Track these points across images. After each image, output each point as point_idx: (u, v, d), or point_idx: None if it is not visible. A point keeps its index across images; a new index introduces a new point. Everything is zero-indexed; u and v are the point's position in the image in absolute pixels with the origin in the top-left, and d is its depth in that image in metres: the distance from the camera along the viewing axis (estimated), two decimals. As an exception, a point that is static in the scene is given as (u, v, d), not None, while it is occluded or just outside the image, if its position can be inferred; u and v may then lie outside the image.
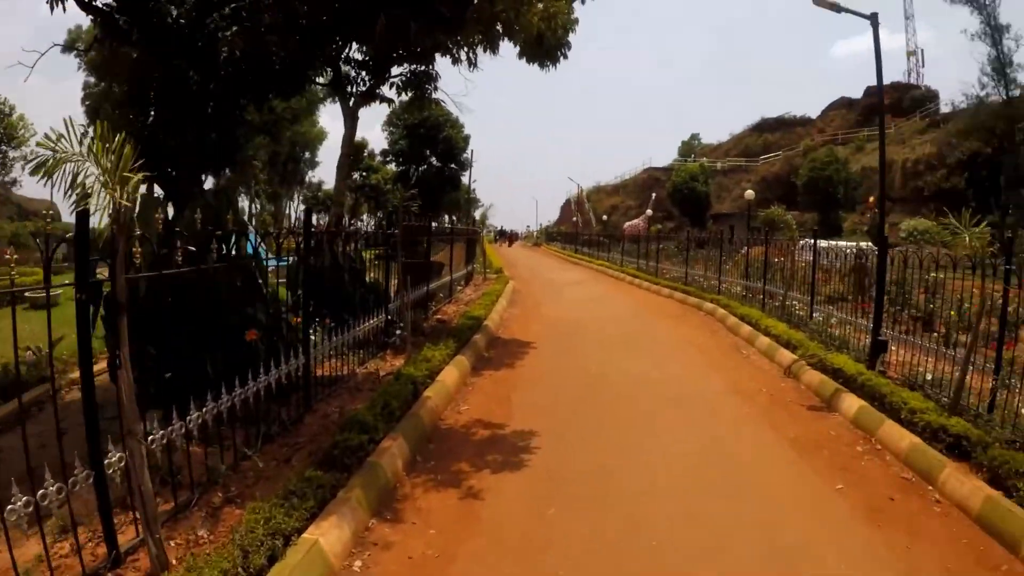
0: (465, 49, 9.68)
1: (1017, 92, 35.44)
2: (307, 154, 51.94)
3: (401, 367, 7.10)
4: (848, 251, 10.06)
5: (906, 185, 44.08)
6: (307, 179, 54.08)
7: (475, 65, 9.95)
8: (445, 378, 7.29)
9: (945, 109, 46.89)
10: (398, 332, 8.35)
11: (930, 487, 5.06)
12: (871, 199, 41.16)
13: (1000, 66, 34.94)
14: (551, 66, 9.95)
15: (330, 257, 7.48)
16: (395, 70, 10.55)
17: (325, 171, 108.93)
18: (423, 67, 10.36)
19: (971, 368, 5.76)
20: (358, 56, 10.30)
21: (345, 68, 10.57)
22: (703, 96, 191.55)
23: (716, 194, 55.20)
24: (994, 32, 34.81)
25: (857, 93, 61.45)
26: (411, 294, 9.49)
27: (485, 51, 9.50)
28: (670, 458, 5.44)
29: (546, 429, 6.08)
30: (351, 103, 10.55)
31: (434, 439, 5.66)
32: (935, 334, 7.65)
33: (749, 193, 29.82)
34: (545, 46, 9.37)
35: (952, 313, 8.40)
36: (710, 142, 71.97)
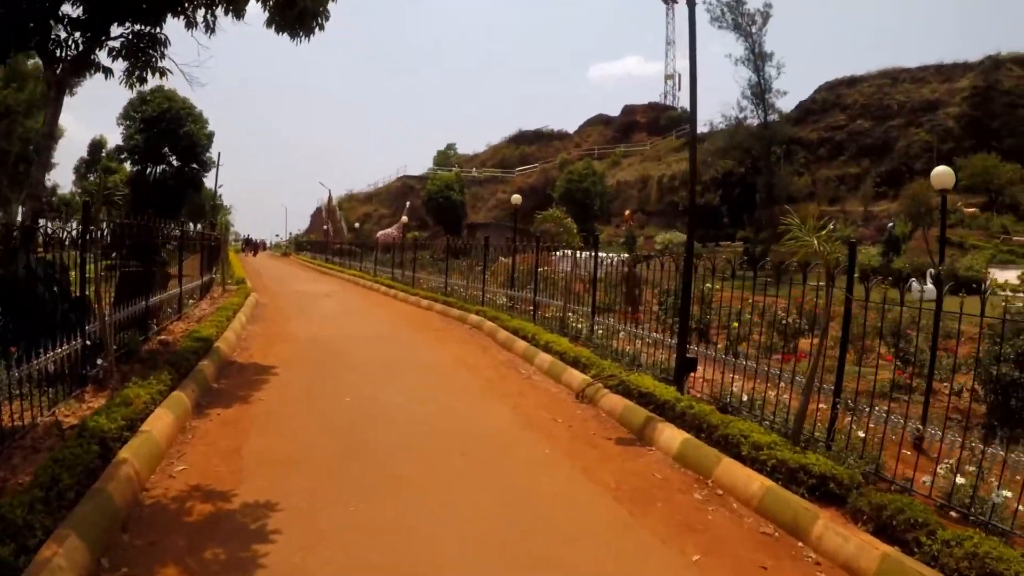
0: (203, 9, 12.22)
1: (775, 116, 55.44)
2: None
3: (90, 415, 7.31)
4: (611, 260, 15.14)
5: (662, 200, 65.47)
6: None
7: (213, 30, 12.61)
8: (154, 426, 7.60)
9: (703, 129, 67.24)
10: (99, 361, 9.35)
11: (800, 543, 5.90)
12: (627, 212, 62.41)
13: (760, 91, 53.93)
14: (303, 36, 12.45)
15: (24, 265, 8.57)
16: (116, 31, 12.47)
17: (62, 174, 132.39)
18: (149, 28, 12.59)
19: (814, 390, 7.48)
20: (71, 12, 12.01)
21: (57, 30, 12.20)
22: (461, 106, 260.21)
23: (471, 204, 74.56)
24: (757, 59, 53.38)
25: (613, 112, 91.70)
26: (123, 310, 11.10)
27: (227, 13, 12.17)
28: (467, 542, 5.68)
29: (290, 499, 6.29)
30: (58, 70, 12.16)
31: (132, 525, 5.75)
32: (714, 344, 11.21)
33: (516, 198, 37.93)
34: (299, 7, 11.82)
35: (735, 324, 11.87)
36: (467, 152, 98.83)
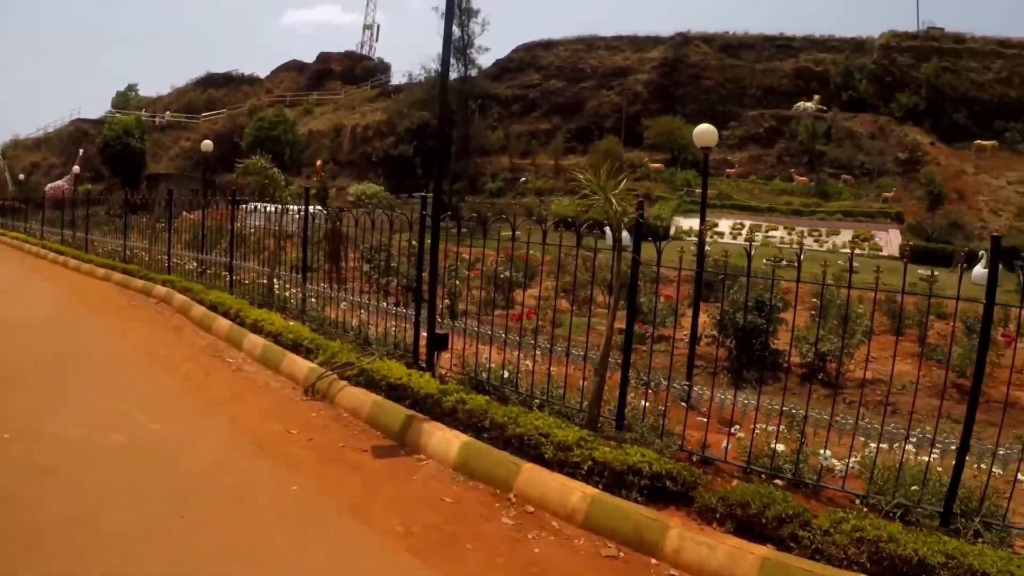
0: None
1: (474, 72, 57.84)
2: None
3: None
4: (312, 215, 13.03)
5: (355, 150, 63.79)
6: None
7: None
8: None
9: (402, 80, 71.50)
10: None
11: (655, 560, 4.97)
12: (319, 162, 60.09)
13: (463, 46, 54.86)
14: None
15: None
16: None
17: None
18: None
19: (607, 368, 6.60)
20: None
21: None
22: (143, 43, 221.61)
23: (153, 152, 67.97)
24: (463, 15, 54.27)
25: (308, 60, 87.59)
26: None
27: None
28: None
29: None
30: None
31: None
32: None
33: (207, 144, 36.50)
34: None
35: (457, 282, 12.12)
36: (150, 95, 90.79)
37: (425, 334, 8.65)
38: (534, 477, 5.89)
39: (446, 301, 12.25)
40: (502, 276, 13.59)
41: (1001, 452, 5.49)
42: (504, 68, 65.91)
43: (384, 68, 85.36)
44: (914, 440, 5.82)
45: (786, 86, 57.32)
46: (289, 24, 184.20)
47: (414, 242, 10.61)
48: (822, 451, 5.99)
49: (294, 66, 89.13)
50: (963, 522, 5.18)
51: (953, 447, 5.47)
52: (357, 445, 6.91)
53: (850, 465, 5.91)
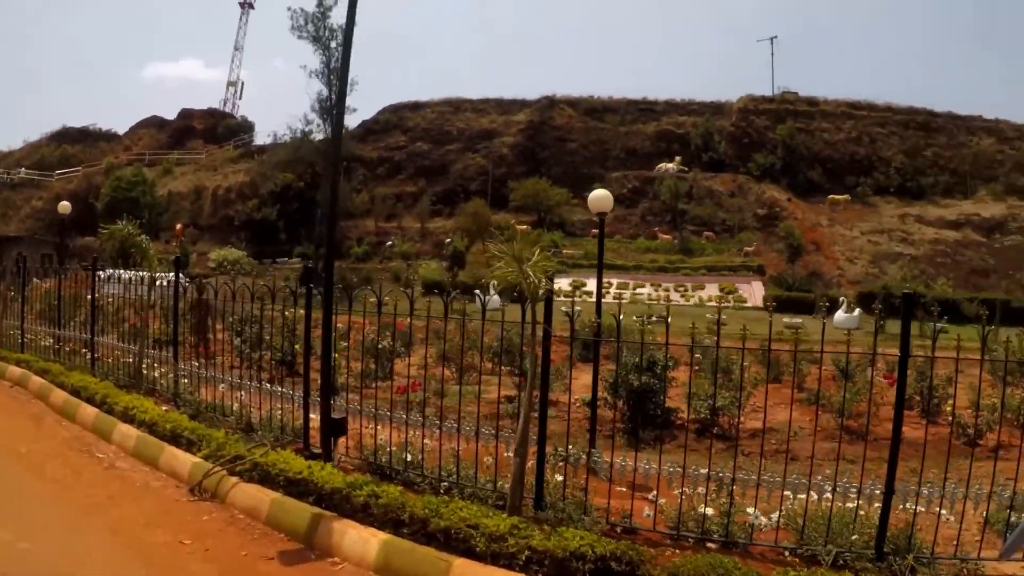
0: None
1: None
2: None
3: None
4: (167, 283, 12.27)
5: (216, 213, 61.51)
6: None
7: None
8: None
9: (266, 140, 70.04)
10: None
11: None
12: (179, 226, 57.34)
13: (330, 106, 53.49)
14: None
15: None
16: None
17: None
18: None
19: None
20: None
21: None
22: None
23: (2, 212, 64.67)
24: (330, 73, 53.19)
25: (169, 116, 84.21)
26: None
27: None
28: None
29: None
30: None
31: None
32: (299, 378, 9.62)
33: (64, 205, 35.51)
34: None
35: (336, 355, 11.32)
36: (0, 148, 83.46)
37: (316, 417, 8.11)
38: (467, 573, 5.40)
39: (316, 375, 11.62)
40: (381, 346, 13.05)
41: (925, 491, 5.99)
42: (370, 129, 65.74)
43: (248, 127, 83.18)
44: (840, 490, 6.07)
45: (648, 148, 59.73)
46: (151, 78, 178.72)
47: (287, 312, 10.39)
48: (751, 509, 6.04)
49: (154, 122, 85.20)
50: (896, 560, 5.43)
51: (879, 491, 5.83)
52: (261, 552, 6.12)
53: (777, 519, 6.06)
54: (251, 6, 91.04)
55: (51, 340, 15.17)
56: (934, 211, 51.62)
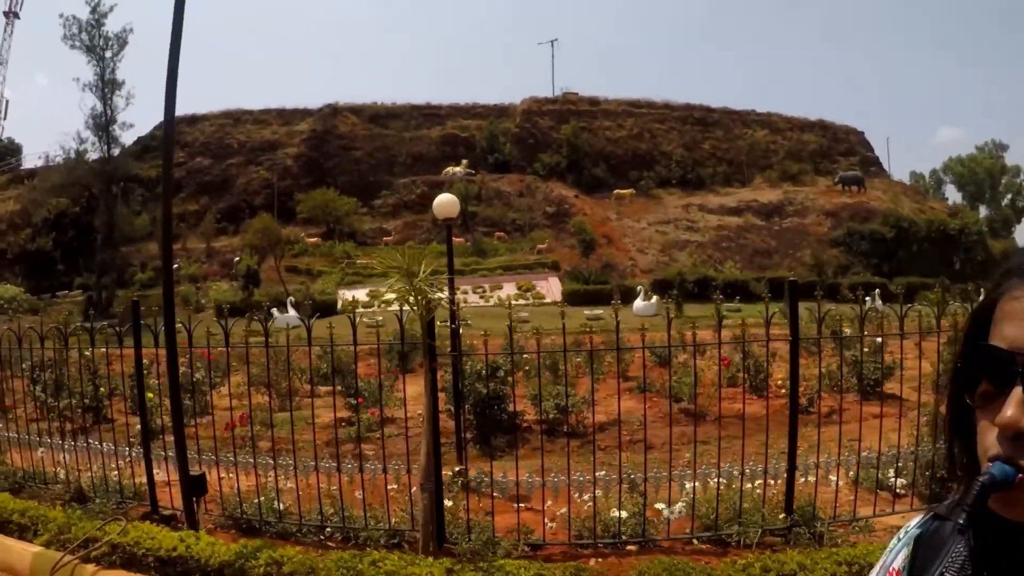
0: None
1: (117, 151, 52.44)
2: None
3: None
4: None
5: None
6: None
7: None
8: None
9: (38, 163, 64.29)
10: None
11: None
12: None
13: (105, 122, 49.77)
14: None
15: None
16: None
17: None
18: None
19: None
20: None
21: None
22: None
23: None
24: (106, 86, 49.06)
25: None
26: None
27: None
28: None
29: None
30: None
31: None
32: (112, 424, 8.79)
33: None
34: None
35: (150, 395, 10.11)
36: None
37: (162, 476, 7.48)
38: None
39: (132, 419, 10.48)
40: (196, 379, 12.30)
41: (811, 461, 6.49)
42: (146, 147, 60.90)
43: (15, 150, 75.23)
44: (737, 473, 6.30)
45: (435, 153, 59.73)
46: None
47: (86, 352, 9.54)
48: (660, 504, 6.19)
49: None
50: (804, 529, 5.81)
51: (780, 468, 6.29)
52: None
53: (678, 510, 6.23)
54: (16, 15, 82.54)
55: None
56: (715, 199, 54.80)
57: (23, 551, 6.58)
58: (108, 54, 50.20)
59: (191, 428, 9.87)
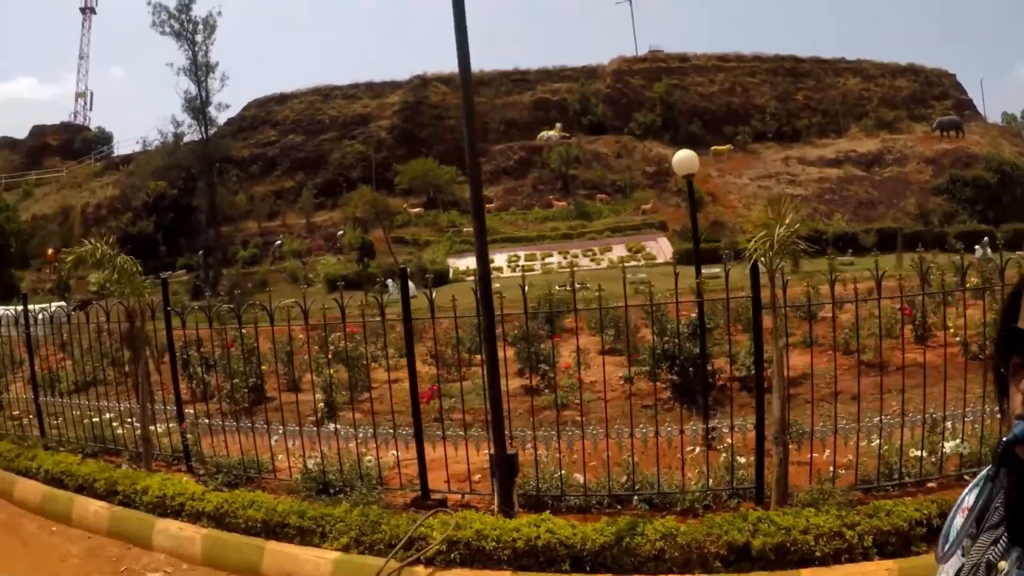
0: None
1: (213, 131, 53.64)
2: None
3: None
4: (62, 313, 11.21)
5: (89, 233, 55.01)
6: None
7: None
8: None
9: (135, 148, 66.31)
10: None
11: None
12: (50, 251, 53.37)
13: (201, 105, 51.25)
14: None
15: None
16: None
17: None
18: None
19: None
20: None
21: None
22: None
23: None
24: (199, 70, 50.71)
25: (19, 135, 78.42)
26: None
27: None
28: None
29: None
30: None
31: None
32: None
33: None
34: None
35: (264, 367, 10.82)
36: None
37: (386, 455, 7.58)
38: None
39: (317, 395, 11.19)
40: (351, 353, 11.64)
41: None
42: (237, 127, 63.11)
43: (106, 138, 78.40)
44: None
45: (527, 118, 60.16)
46: None
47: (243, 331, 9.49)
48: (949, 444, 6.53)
49: (4, 143, 79.61)
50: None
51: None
52: None
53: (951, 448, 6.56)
54: (93, 11, 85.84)
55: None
56: (813, 152, 54.47)
57: (317, 560, 6.01)
58: (199, 38, 51.68)
59: (364, 403, 10.14)
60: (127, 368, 10.95)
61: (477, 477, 7.36)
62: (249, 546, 6.44)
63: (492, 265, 32.24)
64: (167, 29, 51.09)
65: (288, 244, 49.91)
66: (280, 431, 8.18)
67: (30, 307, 11.37)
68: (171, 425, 9.26)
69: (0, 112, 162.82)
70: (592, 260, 41.06)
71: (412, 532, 5.71)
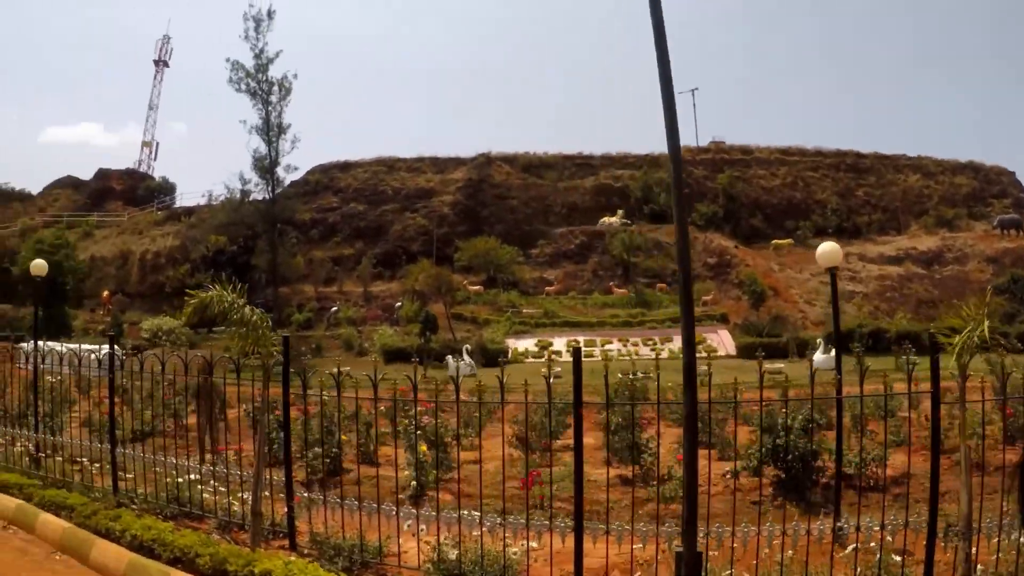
0: None
1: (278, 192, 54.83)
2: None
3: None
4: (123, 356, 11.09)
5: (144, 280, 60.25)
6: None
7: None
8: None
9: (198, 201, 69.23)
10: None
11: None
12: (106, 293, 56.62)
13: (271, 165, 52.59)
14: None
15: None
16: None
17: None
18: None
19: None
20: None
21: None
22: None
23: None
24: (271, 130, 52.07)
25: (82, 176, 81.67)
26: None
27: None
28: None
29: None
30: None
31: None
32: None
33: (39, 265, 32.09)
34: None
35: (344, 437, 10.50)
36: None
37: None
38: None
39: (405, 472, 10.73)
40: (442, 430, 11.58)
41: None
42: (301, 190, 65.04)
43: (169, 188, 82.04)
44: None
45: (589, 202, 61.63)
46: (48, 142, 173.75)
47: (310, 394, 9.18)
48: None
49: (69, 183, 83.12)
50: None
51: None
52: None
53: None
54: (166, 64, 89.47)
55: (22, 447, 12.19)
56: (873, 248, 55.38)
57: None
58: (273, 98, 53.41)
59: (451, 484, 10.15)
60: (195, 421, 11.77)
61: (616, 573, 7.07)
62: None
63: (551, 348, 32.69)
64: (243, 87, 53.21)
65: (344, 311, 50.91)
66: (392, 511, 7.72)
67: (84, 345, 11.28)
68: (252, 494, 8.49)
69: (65, 153, 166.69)
70: (652, 349, 41.20)
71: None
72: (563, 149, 66.35)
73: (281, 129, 52.87)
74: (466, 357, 33.36)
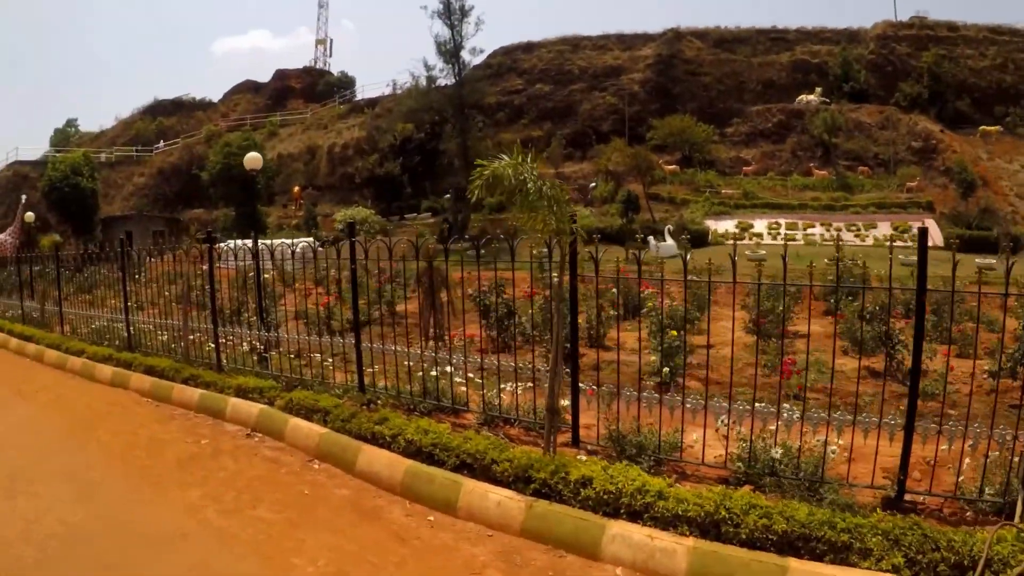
0: None
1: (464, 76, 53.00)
2: None
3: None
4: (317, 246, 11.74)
5: (334, 172, 63.70)
6: None
7: None
8: None
9: (385, 91, 71.37)
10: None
11: None
12: (296, 188, 61.36)
13: (455, 49, 51.39)
14: None
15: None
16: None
17: None
18: None
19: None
20: None
21: None
22: (72, 76, 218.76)
23: (104, 192, 62.78)
24: (453, 14, 50.72)
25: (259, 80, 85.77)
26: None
27: None
28: None
29: None
30: None
31: None
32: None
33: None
34: None
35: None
36: (91, 129, 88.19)
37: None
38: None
39: (652, 358, 10.47)
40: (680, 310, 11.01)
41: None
42: (483, 74, 64.90)
43: (349, 82, 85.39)
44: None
45: (785, 79, 61.00)
46: (221, 53, 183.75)
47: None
48: None
49: (249, 87, 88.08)
50: None
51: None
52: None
53: None
54: None
55: (246, 345, 11.91)
56: (1092, 140, 51.81)
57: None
58: None
59: (693, 370, 9.89)
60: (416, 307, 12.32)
61: (916, 474, 6.60)
62: (769, 567, 5.18)
63: (752, 231, 33.40)
64: None
65: (538, 194, 51.64)
66: (690, 403, 7.07)
67: (281, 241, 11.70)
68: (507, 385, 8.53)
69: (240, 59, 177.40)
70: (856, 236, 41.55)
71: (987, 552, 4.79)
72: (756, 23, 65.04)
73: (464, 12, 51.99)
74: (668, 238, 34.19)
